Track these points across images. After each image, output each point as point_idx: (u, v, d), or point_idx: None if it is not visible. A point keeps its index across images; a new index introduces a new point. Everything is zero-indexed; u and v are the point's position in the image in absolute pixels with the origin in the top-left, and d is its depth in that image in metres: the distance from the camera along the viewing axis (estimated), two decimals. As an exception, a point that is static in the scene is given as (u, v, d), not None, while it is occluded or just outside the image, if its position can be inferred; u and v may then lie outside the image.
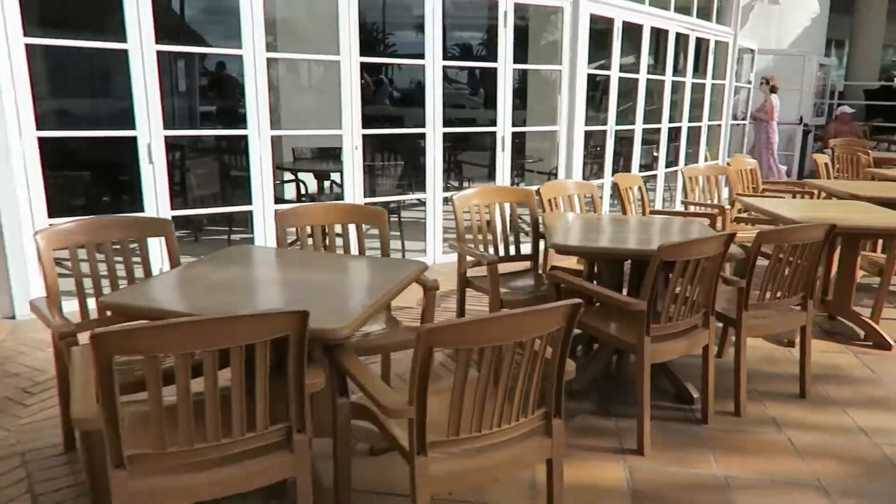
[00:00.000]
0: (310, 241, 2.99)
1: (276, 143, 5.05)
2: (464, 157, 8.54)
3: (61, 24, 4.28)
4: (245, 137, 4.49)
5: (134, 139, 4.09)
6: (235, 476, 1.81)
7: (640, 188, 4.60)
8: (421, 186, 5.54)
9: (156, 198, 4.20)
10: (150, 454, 1.70)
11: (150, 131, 4.10)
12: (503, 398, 1.86)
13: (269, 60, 4.47)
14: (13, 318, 3.97)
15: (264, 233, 4.64)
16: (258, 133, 4.46)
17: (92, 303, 2.55)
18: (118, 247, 2.64)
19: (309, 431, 1.89)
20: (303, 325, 1.75)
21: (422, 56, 5.16)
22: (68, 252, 2.54)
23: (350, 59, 4.73)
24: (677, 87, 7.60)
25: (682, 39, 7.48)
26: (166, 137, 4.19)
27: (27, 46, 3.69)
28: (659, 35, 7.25)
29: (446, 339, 1.73)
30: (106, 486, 2.11)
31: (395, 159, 6.02)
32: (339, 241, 3.22)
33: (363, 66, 4.81)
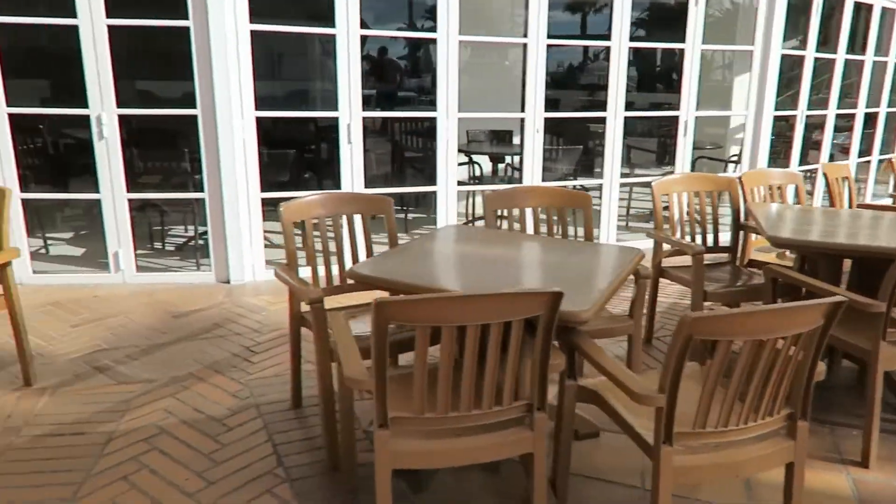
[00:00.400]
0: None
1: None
2: (629, 142, 8.29)
3: (269, 12, 4.59)
4: (421, 119, 4.62)
5: (336, 119, 4.35)
6: (480, 446, 1.89)
7: (848, 179, 4.24)
8: (586, 172, 5.44)
9: (352, 176, 4.45)
10: (410, 418, 1.81)
11: (350, 112, 4.34)
12: (755, 395, 1.80)
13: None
14: (227, 282, 4.37)
15: (446, 214, 4.77)
16: (446, 115, 4.58)
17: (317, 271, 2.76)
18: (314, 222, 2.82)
19: (547, 410, 1.94)
20: (556, 305, 1.78)
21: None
22: (305, 223, 2.75)
23: (538, 41, 4.72)
24: (877, 68, 6.90)
25: (888, 14, 6.76)
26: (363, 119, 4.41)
27: (252, 33, 4.01)
28: (860, 9, 6.60)
29: (710, 330, 1.68)
30: (346, 443, 2.28)
31: (562, 143, 5.95)
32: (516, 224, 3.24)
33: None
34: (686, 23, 5.18)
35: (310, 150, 5.88)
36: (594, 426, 2.69)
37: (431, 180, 4.77)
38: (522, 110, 4.85)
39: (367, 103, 11.78)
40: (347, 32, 4.20)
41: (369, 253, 2.86)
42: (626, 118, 5.22)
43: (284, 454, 2.52)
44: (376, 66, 13.34)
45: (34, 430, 2.63)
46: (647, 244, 5.14)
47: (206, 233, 4.82)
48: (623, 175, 5.38)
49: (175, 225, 5.50)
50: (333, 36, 4.19)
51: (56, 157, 5.62)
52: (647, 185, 6.62)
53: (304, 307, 2.72)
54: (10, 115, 3.93)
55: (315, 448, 2.56)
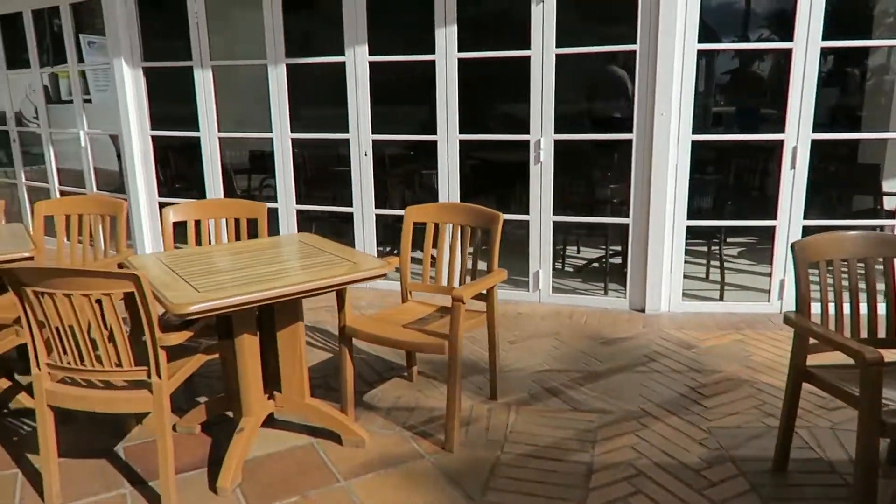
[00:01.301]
0: None
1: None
2: None
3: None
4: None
5: (780, 142, 3.92)
6: None
7: None
8: None
9: (790, 206, 3.96)
10: None
11: (797, 133, 3.87)
12: None
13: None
14: (642, 310, 4.22)
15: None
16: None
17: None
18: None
19: None
20: None
21: None
22: (819, 264, 2.41)
23: None
24: None
25: None
26: (814, 141, 3.89)
27: (699, 52, 3.80)
28: None
29: None
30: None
31: None
32: None
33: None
34: None
35: (750, 174, 5.44)
36: None
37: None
38: None
39: (719, 122, 10.91)
40: (806, 45, 3.74)
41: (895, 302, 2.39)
42: None
43: (793, 530, 2.20)
44: (738, 80, 12.30)
45: (515, 448, 2.72)
46: None
47: (614, 256, 4.78)
48: None
49: (569, 246, 5.59)
50: (790, 50, 3.77)
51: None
52: None
53: (812, 360, 2.39)
54: (461, 141, 4.33)
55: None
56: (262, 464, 2.64)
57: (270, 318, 2.72)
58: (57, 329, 2.24)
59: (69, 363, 2.29)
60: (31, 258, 2.89)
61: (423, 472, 2.56)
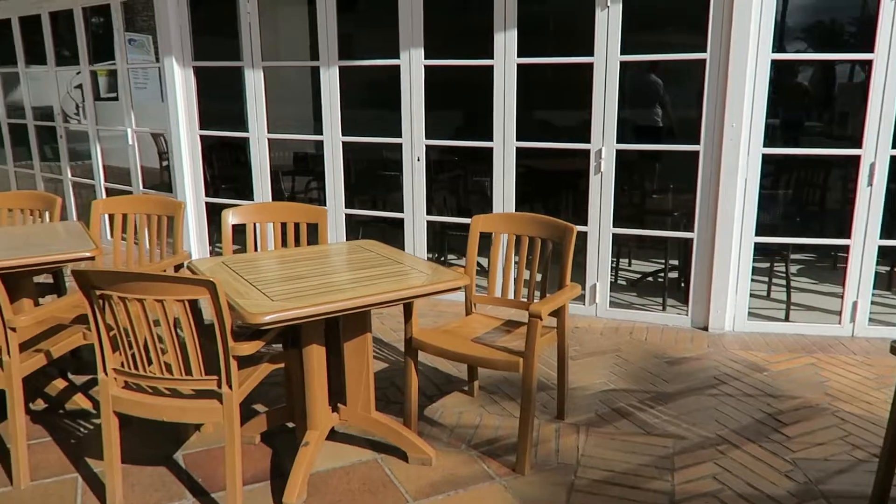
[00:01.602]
0: None
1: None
2: None
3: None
4: None
5: (856, 158, 3.75)
6: None
7: None
8: None
9: (866, 224, 3.79)
10: None
11: (876, 149, 3.70)
12: None
13: None
14: (704, 329, 4.07)
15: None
16: None
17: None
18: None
19: None
20: None
21: None
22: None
23: None
24: None
25: None
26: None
27: (773, 62, 3.66)
28: None
29: None
30: None
31: None
32: None
33: None
34: None
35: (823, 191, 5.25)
36: None
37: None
38: None
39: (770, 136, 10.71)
40: (888, 56, 3.58)
41: None
42: None
43: (903, 576, 2.04)
44: (787, 92, 12.06)
45: (589, 473, 2.58)
46: None
47: (671, 271, 4.62)
48: None
49: (621, 258, 5.44)
50: (870, 62, 3.61)
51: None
52: None
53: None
54: (518, 149, 4.22)
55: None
56: (327, 479, 2.54)
57: (336, 328, 2.62)
58: (125, 333, 2.16)
59: (136, 369, 2.21)
60: (92, 258, 2.82)
61: (496, 496, 2.44)
